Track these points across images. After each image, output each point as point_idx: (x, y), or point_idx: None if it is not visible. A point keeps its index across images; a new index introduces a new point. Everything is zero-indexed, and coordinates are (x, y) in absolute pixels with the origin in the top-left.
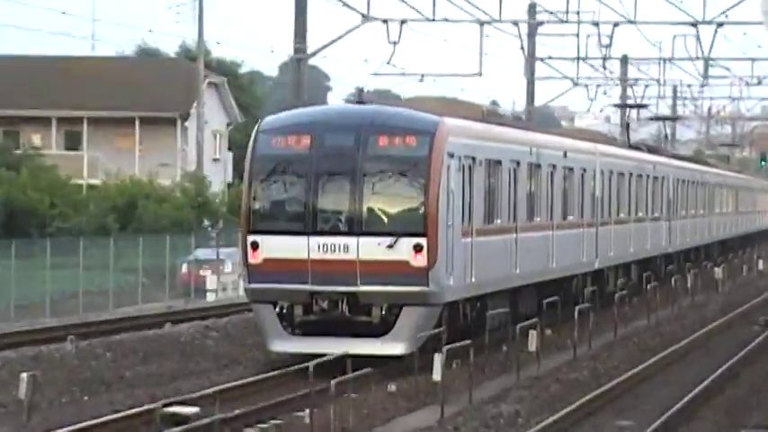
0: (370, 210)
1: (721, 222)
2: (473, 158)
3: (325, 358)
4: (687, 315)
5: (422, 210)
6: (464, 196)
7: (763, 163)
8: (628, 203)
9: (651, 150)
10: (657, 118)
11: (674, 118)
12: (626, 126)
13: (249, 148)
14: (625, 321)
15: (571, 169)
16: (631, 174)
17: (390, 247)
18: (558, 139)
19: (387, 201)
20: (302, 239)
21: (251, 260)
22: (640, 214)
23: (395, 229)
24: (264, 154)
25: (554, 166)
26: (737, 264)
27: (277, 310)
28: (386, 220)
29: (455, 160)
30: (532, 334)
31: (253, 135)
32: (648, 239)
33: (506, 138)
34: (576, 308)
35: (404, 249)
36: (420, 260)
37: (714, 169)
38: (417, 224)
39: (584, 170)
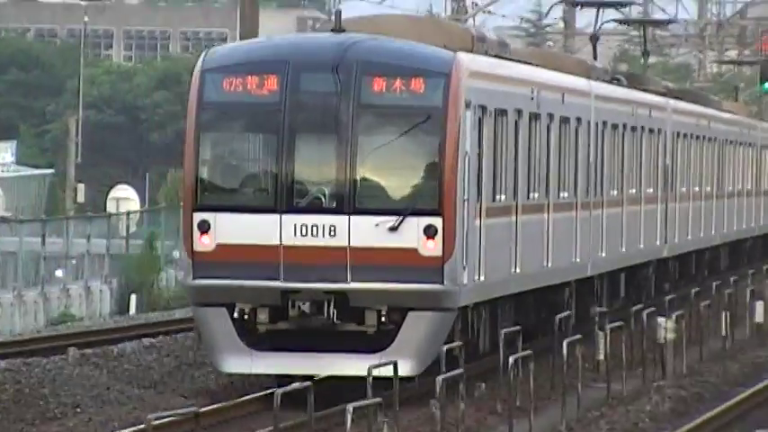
0: (366, 179)
1: (739, 208)
2: (483, 108)
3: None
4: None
5: (436, 180)
6: (476, 162)
7: (766, 85)
8: (620, 173)
9: (633, 83)
10: (636, 22)
11: (663, 22)
12: (594, 40)
13: (191, 93)
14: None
15: (566, 120)
16: (625, 126)
17: (394, 229)
18: (553, 75)
19: (388, 167)
20: (271, 219)
21: (198, 247)
22: (632, 191)
23: (399, 205)
24: (214, 101)
25: (551, 117)
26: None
27: (235, 315)
28: (387, 192)
29: (471, 111)
30: None
31: (196, 74)
32: (642, 233)
33: (512, 77)
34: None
35: (411, 233)
36: (433, 248)
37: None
38: (430, 199)
39: (579, 121)
